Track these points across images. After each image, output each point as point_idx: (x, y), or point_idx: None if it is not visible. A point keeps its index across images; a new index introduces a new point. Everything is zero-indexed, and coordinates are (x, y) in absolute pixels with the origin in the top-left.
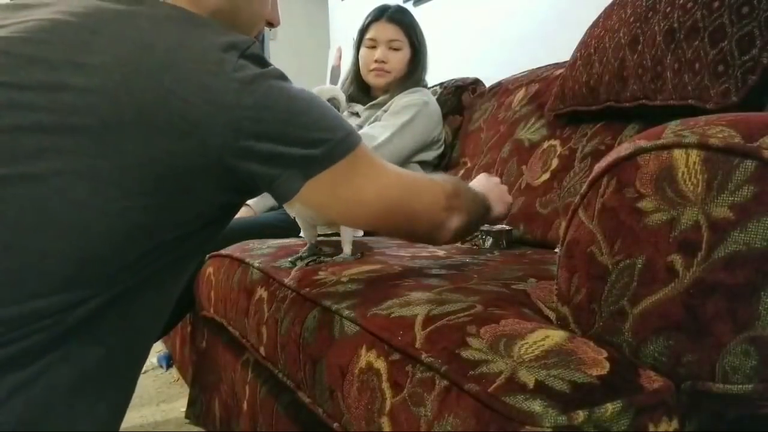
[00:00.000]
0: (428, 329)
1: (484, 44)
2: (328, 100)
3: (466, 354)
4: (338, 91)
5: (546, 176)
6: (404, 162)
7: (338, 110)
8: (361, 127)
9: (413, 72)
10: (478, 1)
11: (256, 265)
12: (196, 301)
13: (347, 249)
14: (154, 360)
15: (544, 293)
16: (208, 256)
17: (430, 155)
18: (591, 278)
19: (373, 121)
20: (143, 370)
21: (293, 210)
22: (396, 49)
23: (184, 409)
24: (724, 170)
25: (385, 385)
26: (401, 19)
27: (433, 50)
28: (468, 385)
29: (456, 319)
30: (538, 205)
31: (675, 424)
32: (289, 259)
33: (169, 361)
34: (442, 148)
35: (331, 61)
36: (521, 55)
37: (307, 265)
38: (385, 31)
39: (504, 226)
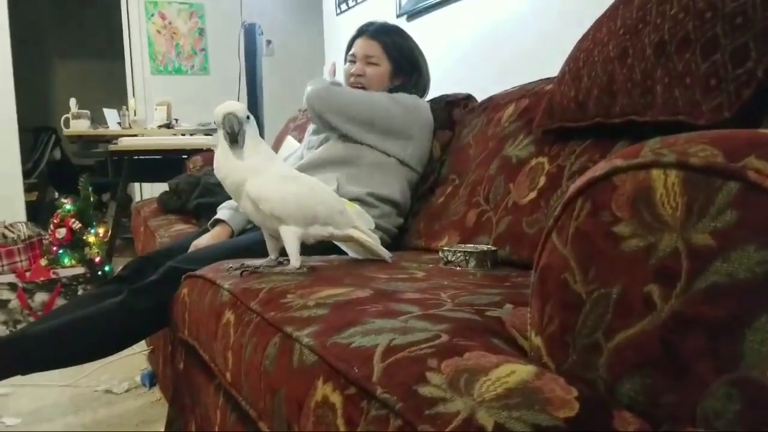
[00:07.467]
0: (387, 361)
1: (477, 59)
2: (226, 115)
3: (423, 391)
4: (236, 106)
5: (533, 195)
6: (375, 127)
7: (239, 124)
8: (346, 136)
9: (397, 89)
10: (471, 16)
11: (226, 286)
12: (171, 320)
13: (294, 261)
14: (137, 378)
15: (520, 321)
16: (183, 276)
17: (403, 150)
18: (564, 308)
19: None
20: (125, 389)
21: (255, 216)
22: (373, 64)
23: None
24: (705, 192)
25: (340, 422)
26: (381, 37)
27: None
28: (422, 426)
29: (418, 350)
30: (525, 224)
31: None
32: (240, 269)
33: (152, 380)
34: (422, 151)
35: (326, 76)
36: (516, 69)
37: (241, 274)
38: (363, 47)
39: (489, 246)
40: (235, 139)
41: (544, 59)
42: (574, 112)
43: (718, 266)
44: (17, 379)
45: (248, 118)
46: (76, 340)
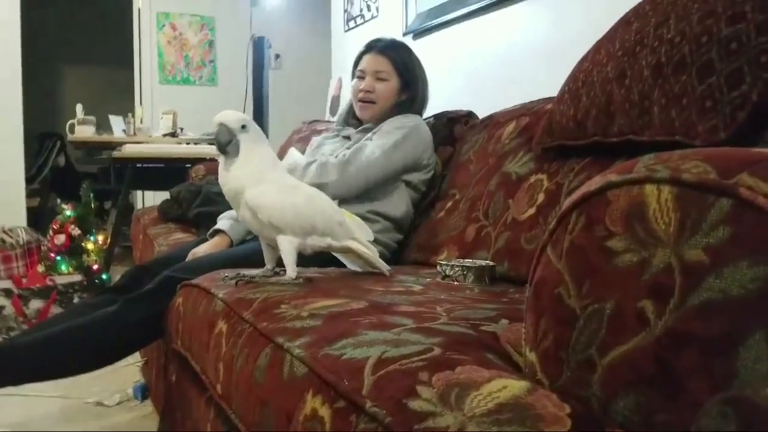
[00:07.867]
0: (378, 374)
1: (479, 78)
2: (219, 125)
3: (413, 405)
4: (229, 116)
5: (532, 211)
6: (393, 179)
7: (231, 134)
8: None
9: (403, 103)
10: (475, 37)
11: (220, 296)
12: (165, 330)
13: (290, 271)
14: (129, 391)
15: (515, 336)
16: (179, 285)
17: (417, 177)
18: (559, 323)
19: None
20: (117, 402)
21: (253, 225)
22: (383, 80)
23: None
24: (698, 208)
25: None
26: (390, 53)
27: (431, 83)
28: None
29: (409, 363)
30: (523, 240)
31: None
32: (236, 278)
33: (144, 393)
34: (431, 173)
35: (332, 91)
36: (518, 88)
37: (236, 283)
38: (373, 62)
39: (488, 261)
40: (222, 149)
41: (545, 79)
42: (573, 130)
43: (711, 282)
44: (5, 389)
45: (244, 127)
46: (69, 352)
